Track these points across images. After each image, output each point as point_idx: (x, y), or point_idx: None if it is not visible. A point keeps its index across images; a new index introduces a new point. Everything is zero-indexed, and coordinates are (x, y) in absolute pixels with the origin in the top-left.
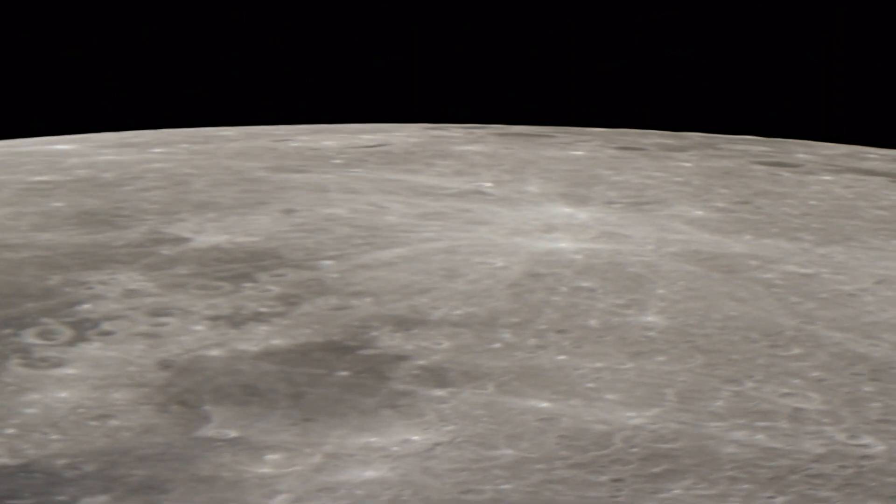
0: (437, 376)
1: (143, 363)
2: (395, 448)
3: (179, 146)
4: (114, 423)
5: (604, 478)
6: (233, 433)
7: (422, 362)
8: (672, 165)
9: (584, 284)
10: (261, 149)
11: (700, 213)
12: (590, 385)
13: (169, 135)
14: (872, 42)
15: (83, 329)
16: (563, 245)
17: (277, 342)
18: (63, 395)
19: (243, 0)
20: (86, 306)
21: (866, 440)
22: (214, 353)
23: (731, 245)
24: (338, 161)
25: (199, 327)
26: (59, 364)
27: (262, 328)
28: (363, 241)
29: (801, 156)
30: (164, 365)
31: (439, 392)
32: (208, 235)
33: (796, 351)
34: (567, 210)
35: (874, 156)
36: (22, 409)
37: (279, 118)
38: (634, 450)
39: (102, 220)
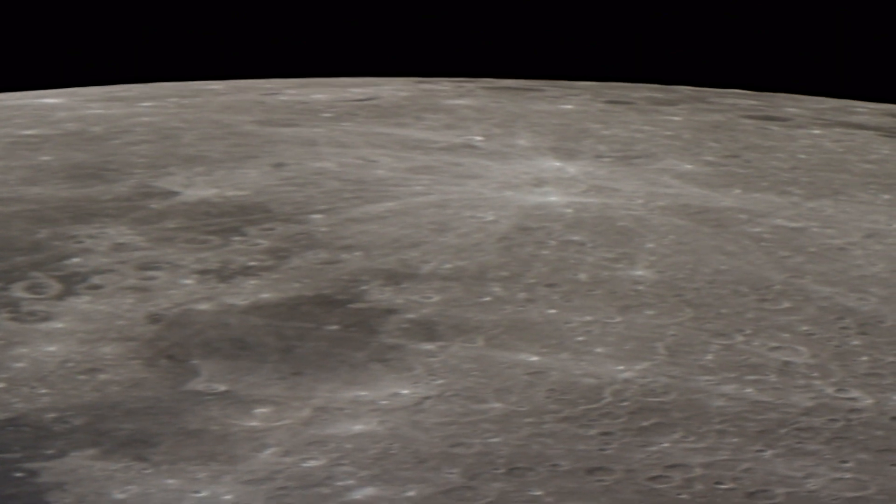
0: (426, 330)
1: (132, 317)
2: (384, 402)
3: (168, 100)
4: (102, 376)
5: (593, 431)
6: (221, 387)
7: (411, 316)
8: (661, 119)
9: (574, 238)
10: (249, 102)
11: (689, 166)
12: (579, 339)
13: (157, 88)
14: None
15: (72, 283)
16: (552, 199)
17: (266, 296)
18: (52, 348)
19: None
20: (75, 260)
21: (854, 393)
22: (203, 306)
23: (720, 199)
24: (327, 115)
25: (187, 281)
26: (47, 318)
27: (251, 282)
28: (353, 194)
29: (791, 110)
30: (153, 319)
31: (428, 346)
32: (197, 189)
33: (785, 305)
34: (557, 164)
35: (863, 109)
36: (10, 362)
37: (268, 72)
38: (624, 403)
39: (91, 174)
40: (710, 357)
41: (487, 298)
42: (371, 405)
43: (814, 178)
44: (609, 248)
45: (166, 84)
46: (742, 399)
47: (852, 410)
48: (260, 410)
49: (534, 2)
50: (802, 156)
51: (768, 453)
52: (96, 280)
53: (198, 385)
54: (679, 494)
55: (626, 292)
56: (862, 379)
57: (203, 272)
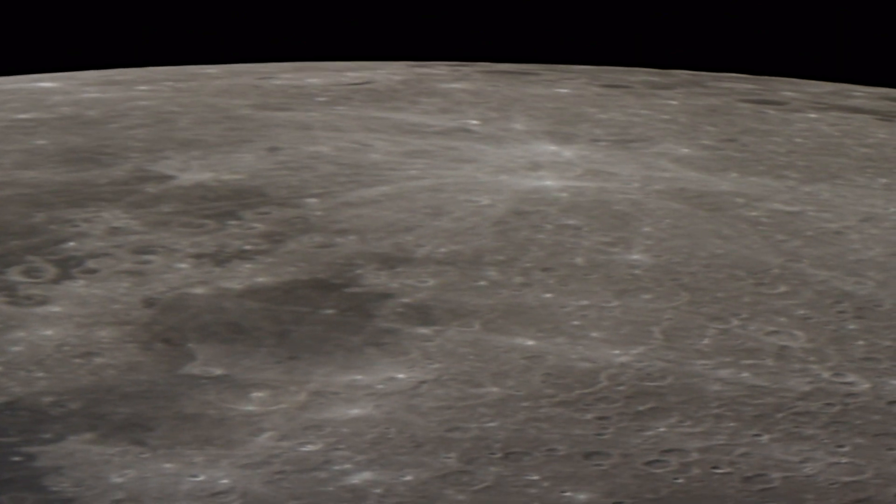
0: (421, 314)
1: (128, 301)
2: (380, 386)
3: (164, 84)
4: (99, 360)
5: (589, 416)
6: (217, 371)
7: (407, 300)
8: (658, 103)
9: (570, 222)
10: (245, 87)
11: (686, 150)
12: (575, 323)
13: (153, 73)
14: None
15: (68, 267)
16: (548, 183)
17: (262, 280)
18: (48, 332)
19: None
20: (70, 244)
21: (851, 378)
22: (199, 290)
23: (717, 183)
24: (322, 99)
25: (183, 265)
26: (43, 302)
27: (247, 266)
28: (348, 178)
29: (787, 93)
30: (149, 303)
31: (424, 330)
32: (193, 173)
33: (782, 289)
34: (552, 148)
35: (860, 93)
36: (7, 346)
37: (263, 56)
38: (620, 388)
39: (87, 158)
40: (706, 341)
41: (483, 283)
42: (367, 389)
43: (810, 161)
44: (605, 233)
45: (162, 68)
46: (738, 383)
47: (849, 395)
48: (256, 394)
49: None
50: (799, 140)
51: (765, 438)
52: (92, 264)
53: (194, 369)
54: (675, 479)
55: (623, 276)
56: (858, 363)
57: (199, 256)
